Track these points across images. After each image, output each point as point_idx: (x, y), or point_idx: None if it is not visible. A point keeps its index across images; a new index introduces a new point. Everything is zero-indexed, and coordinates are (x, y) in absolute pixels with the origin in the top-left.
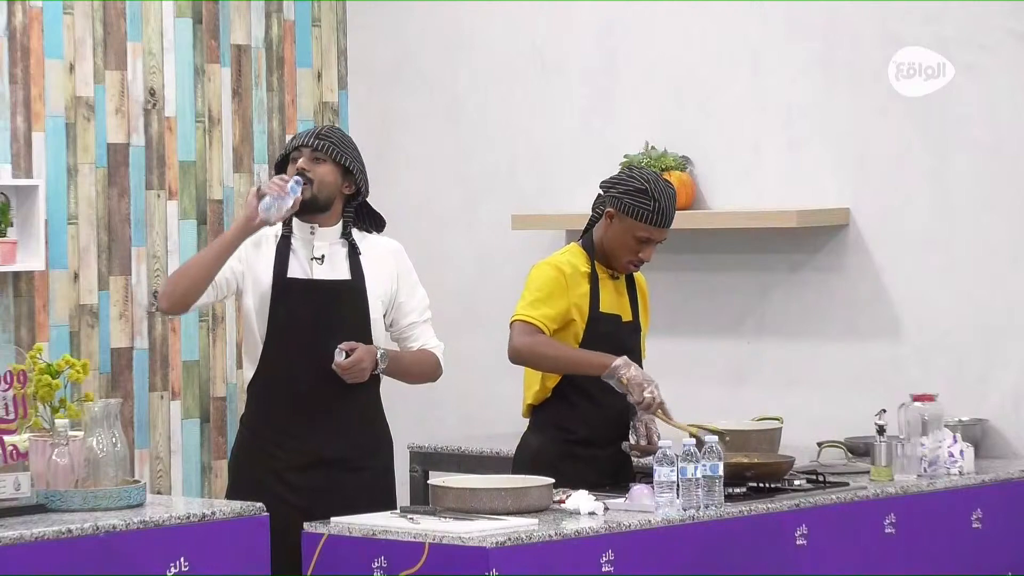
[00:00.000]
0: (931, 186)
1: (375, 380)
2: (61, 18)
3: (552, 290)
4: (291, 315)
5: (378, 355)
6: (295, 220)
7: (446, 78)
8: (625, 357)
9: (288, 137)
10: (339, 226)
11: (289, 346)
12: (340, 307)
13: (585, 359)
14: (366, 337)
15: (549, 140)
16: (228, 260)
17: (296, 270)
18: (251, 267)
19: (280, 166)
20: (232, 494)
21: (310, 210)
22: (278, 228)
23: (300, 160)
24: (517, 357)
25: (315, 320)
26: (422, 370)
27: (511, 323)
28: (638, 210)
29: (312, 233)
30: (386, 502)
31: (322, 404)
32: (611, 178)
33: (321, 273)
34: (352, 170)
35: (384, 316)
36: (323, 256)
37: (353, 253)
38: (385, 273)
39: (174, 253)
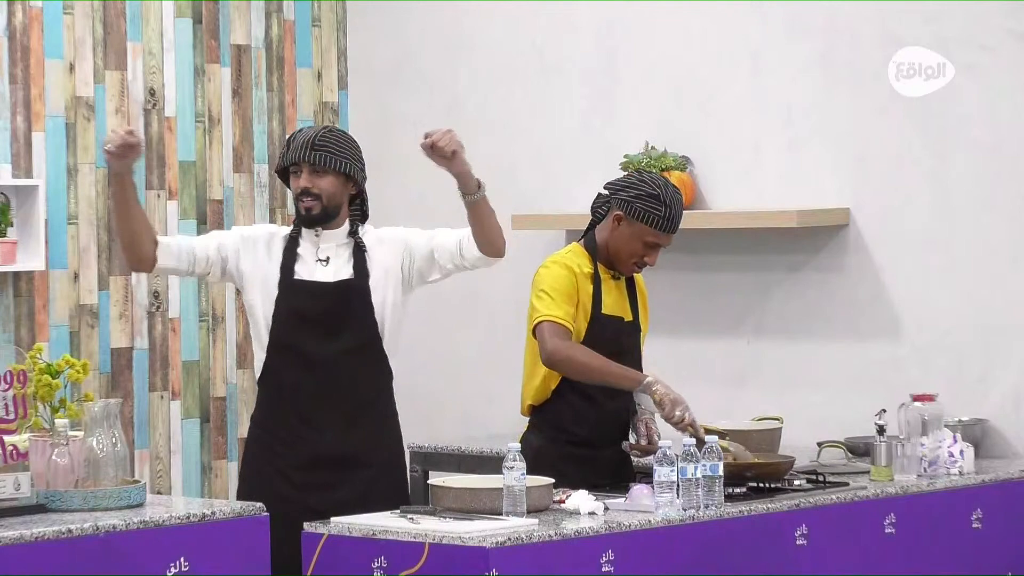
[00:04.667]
0: (931, 186)
1: (385, 376)
2: (61, 18)
3: (568, 290)
4: (295, 316)
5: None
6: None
7: (446, 78)
8: (655, 373)
9: (287, 136)
10: (345, 226)
11: (293, 346)
12: (344, 306)
13: (618, 372)
14: (373, 334)
15: (549, 140)
16: (215, 239)
17: (302, 272)
18: (260, 265)
19: (281, 174)
20: (242, 490)
21: (323, 222)
22: (287, 229)
23: (302, 178)
24: (550, 360)
25: (318, 320)
26: (495, 220)
27: (537, 324)
28: (649, 215)
29: (318, 235)
30: (396, 499)
31: (324, 403)
32: (619, 180)
33: (325, 275)
34: (353, 173)
35: (418, 277)
36: (327, 258)
37: (359, 252)
38: (392, 261)
39: None
